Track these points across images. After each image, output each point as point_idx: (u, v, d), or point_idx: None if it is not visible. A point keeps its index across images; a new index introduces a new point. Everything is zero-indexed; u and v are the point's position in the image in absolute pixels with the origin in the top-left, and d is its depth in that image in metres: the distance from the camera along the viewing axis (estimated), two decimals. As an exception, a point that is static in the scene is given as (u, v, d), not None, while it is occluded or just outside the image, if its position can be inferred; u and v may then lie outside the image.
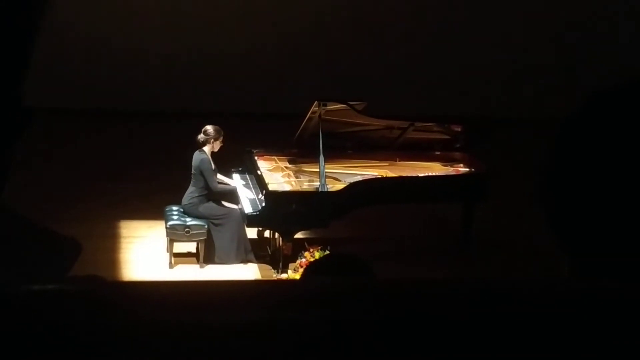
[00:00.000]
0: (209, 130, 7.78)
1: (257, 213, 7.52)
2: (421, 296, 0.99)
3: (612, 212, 1.14)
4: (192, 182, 7.86)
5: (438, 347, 0.94)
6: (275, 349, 0.91)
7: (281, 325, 0.92)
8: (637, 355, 0.94)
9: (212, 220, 7.78)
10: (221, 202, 7.89)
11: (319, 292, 0.98)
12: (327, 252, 7.45)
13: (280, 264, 7.60)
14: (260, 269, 7.84)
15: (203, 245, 7.77)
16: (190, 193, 7.85)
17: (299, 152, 8.29)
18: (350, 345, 0.92)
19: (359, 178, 7.98)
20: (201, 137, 7.79)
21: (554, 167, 1.19)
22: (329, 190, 7.65)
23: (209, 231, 7.75)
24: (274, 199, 7.50)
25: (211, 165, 7.77)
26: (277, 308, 0.94)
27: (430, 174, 8.32)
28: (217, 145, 7.80)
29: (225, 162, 8.14)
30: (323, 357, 0.91)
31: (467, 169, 8.45)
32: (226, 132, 7.90)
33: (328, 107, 7.82)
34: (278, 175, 8.09)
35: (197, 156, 7.80)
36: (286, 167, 8.24)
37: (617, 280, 1.10)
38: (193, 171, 7.81)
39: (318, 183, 7.71)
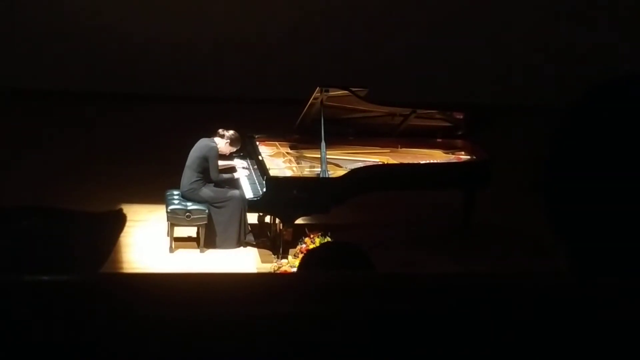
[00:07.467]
0: (232, 135, 7.82)
1: (258, 198, 7.52)
2: (419, 291, 1.00)
3: (611, 204, 1.14)
4: (189, 166, 7.80)
5: (436, 341, 0.94)
6: (271, 344, 0.91)
7: (277, 320, 0.92)
8: (635, 346, 0.94)
9: (213, 205, 7.77)
10: (222, 187, 7.88)
11: (318, 288, 0.98)
12: (328, 238, 7.45)
13: (281, 250, 7.60)
14: (260, 254, 7.84)
15: (204, 229, 7.76)
16: (188, 178, 7.80)
17: (301, 138, 8.28)
18: (348, 339, 0.93)
19: (360, 164, 7.97)
20: (222, 132, 7.81)
21: (555, 159, 1.19)
22: (330, 176, 7.65)
23: (209, 215, 7.74)
24: (275, 184, 7.50)
25: (218, 156, 7.76)
26: (274, 303, 0.94)
27: (431, 161, 8.31)
28: (228, 150, 7.83)
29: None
30: (320, 351, 0.92)
31: (469, 157, 8.44)
32: (228, 118, 7.90)
33: (330, 93, 7.80)
34: (279, 161, 8.09)
35: (206, 142, 7.78)
36: (288, 153, 8.23)
37: (616, 276, 1.11)
38: (197, 154, 7.77)
39: (319, 169, 7.71)
